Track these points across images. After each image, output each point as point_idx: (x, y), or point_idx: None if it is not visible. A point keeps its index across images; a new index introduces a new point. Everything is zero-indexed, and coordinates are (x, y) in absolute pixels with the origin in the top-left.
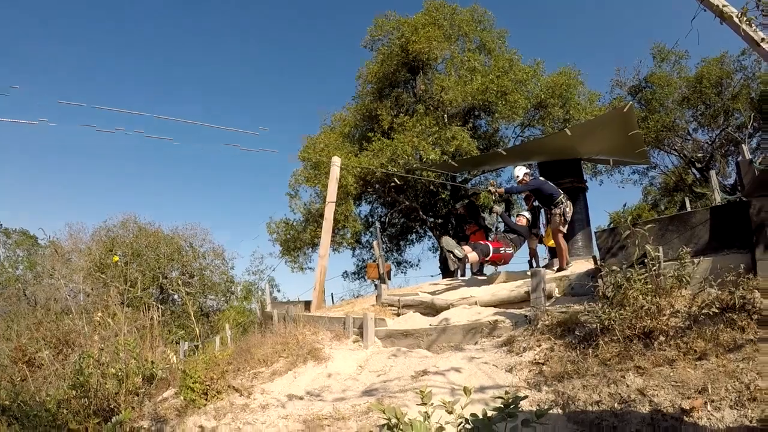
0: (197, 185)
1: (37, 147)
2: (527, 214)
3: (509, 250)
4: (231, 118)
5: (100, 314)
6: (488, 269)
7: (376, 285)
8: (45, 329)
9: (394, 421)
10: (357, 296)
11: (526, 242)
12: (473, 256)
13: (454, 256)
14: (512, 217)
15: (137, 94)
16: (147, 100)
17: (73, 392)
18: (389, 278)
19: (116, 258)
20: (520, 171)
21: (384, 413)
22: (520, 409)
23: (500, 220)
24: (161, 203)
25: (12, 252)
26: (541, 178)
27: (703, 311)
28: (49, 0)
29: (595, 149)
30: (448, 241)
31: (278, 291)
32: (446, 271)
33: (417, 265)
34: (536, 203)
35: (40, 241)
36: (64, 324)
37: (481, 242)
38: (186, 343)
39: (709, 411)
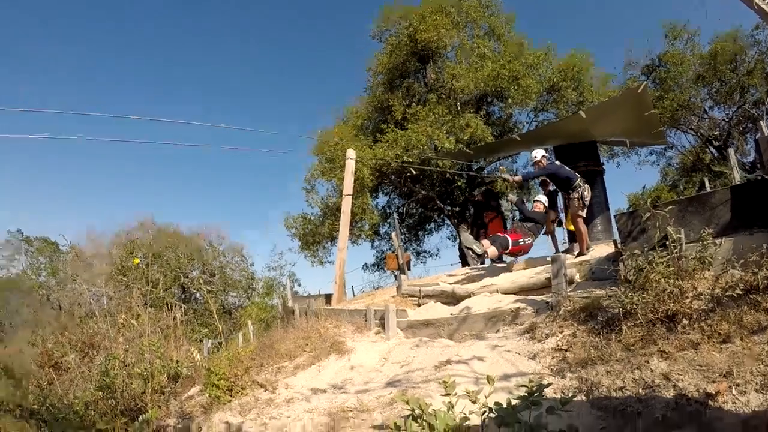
0: (213, 185)
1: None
2: (544, 199)
3: (528, 240)
4: (231, 117)
5: (123, 316)
6: (507, 257)
7: (395, 276)
8: (70, 333)
9: (418, 412)
10: (377, 288)
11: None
12: (492, 250)
13: (473, 252)
14: (528, 203)
15: (137, 93)
16: (147, 100)
17: (100, 393)
18: (409, 268)
19: (137, 260)
20: (538, 153)
21: (407, 404)
22: (544, 397)
23: (516, 208)
24: (174, 204)
25: (35, 259)
26: (558, 162)
27: (727, 293)
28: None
29: (610, 131)
30: (467, 238)
31: (299, 285)
32: (466, 260)
33: (436, 255)
34: (552, 188)
35: (61, 248)
36: (88, 327)
37: (500, 234)
38: (209, 340)
39: (734, 395)
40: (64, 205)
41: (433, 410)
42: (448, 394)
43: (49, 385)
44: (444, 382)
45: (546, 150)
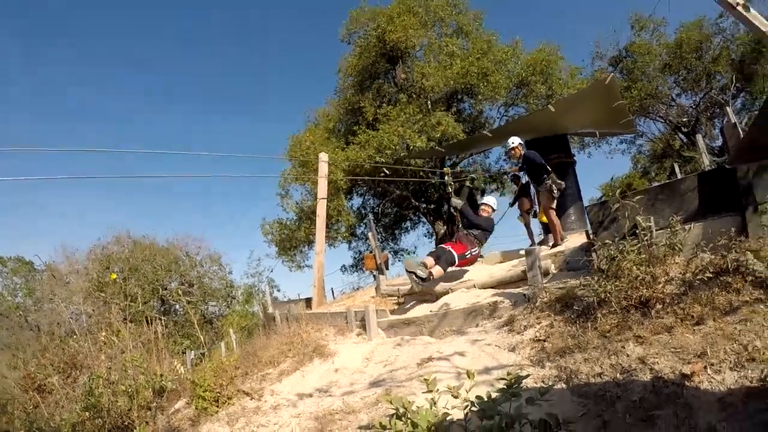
0: (183, 197)
1: None
2: (492, 202)
3: (474, 251)
4: (201, 121)
5: (104, 333)
6: (484, 250)
7: (374, 276)
8: (52, 354)
9: (402, 410)
10: (357, 289)
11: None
12: (438, 270)
13: (417, 276)
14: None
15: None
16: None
17: (86, 414)
18: (387, 268)
19: (114, 276)
20: (515, 140)
21: (391, 404)
22: (524, 388)
23: (460, 214)
24: (148, 217)
25: (9, 280)
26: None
27: (698, 276)
28: None
29: (580, 123)
30: (409, 263)
31: (278, 291)
32: None
33: (414, 253)
34: (525, 180)
35: (36, 267)
36: (69, 347)
37: (444, 247)
38: (192, 352)
39: (709, 374)
40: (36, 224)
41: (417, 408)
42: (430, 391)
43: (34, 408)
44: (425, 379)
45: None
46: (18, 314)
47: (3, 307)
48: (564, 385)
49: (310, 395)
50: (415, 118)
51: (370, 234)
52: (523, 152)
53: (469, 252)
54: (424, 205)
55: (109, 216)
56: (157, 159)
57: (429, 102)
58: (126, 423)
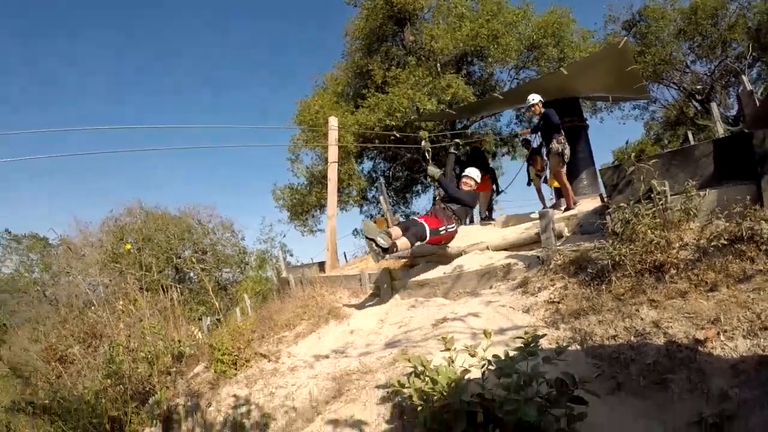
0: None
1: None
2: (475, 174)
3: (451, 228)
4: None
5: (122, 303)
6: (496, 214)
7: None
8: (72, 325)
9: (420, 369)
10: (369, 252)
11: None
12: (403, 242)
13: (377, 245)
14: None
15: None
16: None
17: (108, 381)
18: None
19: (128, 246)
20: (535, 97)
21: (410, 362)
22: (540, 348)
23: (437, 186)
24: (159, 187)
25: (25, 257)
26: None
27: (712, 243)
28: None
29: (593, 87)
30: (369, 227)
31: (291, 256)
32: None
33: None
34: (536, 144)
35: (51, 242)
36: (88, 318)
37: (417, 220)
38: (208, 318)
39: (722, 341)
40: (49, 201)
41: (435, 366)
42: (447, 350)
43: (57, 378)
44: (443, 338)
45: (528, 108)
46: (35, 289)
47: (21, 282)
48: (578, 347)
49: (327, 356)
50: (425, 80)
51: (381, 198)
52: (542, 109)
53: (444, 228)
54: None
55: (118, 188)
56: (168, 132)
57: (438, 65)
58: (147, 388)
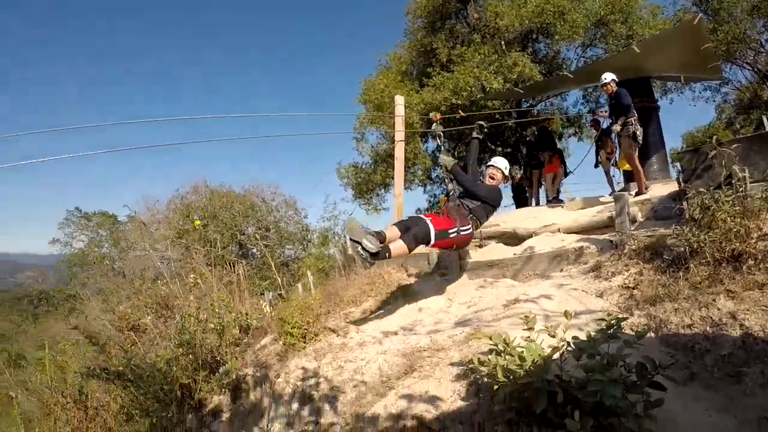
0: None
1: None
2: (503, 164)
3: (465, 230)
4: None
5: (192, 276)
6: (562, 196)
7: None
8: (145, 296)
9: (502, 346)
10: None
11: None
12: (398, 247)
13: (363, 249)
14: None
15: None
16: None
17: (180, 350)
18: None
19: (198, 222)
20: (608, 75)
21: (491, 340)
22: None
23: (450, 178)
24: (223, 168)
25: (95, 233)
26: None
27: None
28: None
29: (665, 66)
30: (353, 228)
31: None
32: (519, 202)
33: None
34: (605, 125)
35: (119, 219)
36: (159, 290)
37: (422, 218)
38: (270, 293)
39: None
40: (120, 180)
41: (519, 344)
42: (530, 329)
43: (131, 346)
44: (525, 316)
45: (596, 88)
46: (105, 263)
47: (90, 257)
48: (652, 334)
49: (395, 333)
50: (491, 59)
51: (446, 177)
52: (614, 88)
53: (455, 230)
54: (500, 149)
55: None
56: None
57: (503, 42)
58: (216, 358)
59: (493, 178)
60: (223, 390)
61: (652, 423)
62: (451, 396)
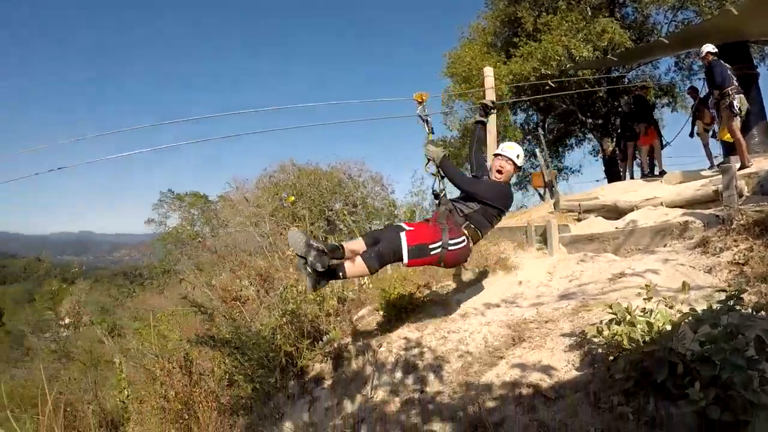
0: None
1: None
2: (513, 154)
3: (455, 244)
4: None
5: (289, 250)
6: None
7: (540, 194)
8: (247, 269)
9: (622, 315)
10: (520, 207)
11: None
12: (356, 267)
13: (309, 265)
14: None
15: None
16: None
17: (284, 319)
18: (555, 186)
19: (292, 198)
20: (707, 47)
21: (611, 309)
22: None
23: (440, 176)
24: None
25: (187, 212)
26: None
27: None
28: None
29: (766, 29)
30: (295, 238)
31: None
32: (612, 176)
33: (578, 171)
34: (704, 94)
35: (210, 199)
36: (258, 263)
37: (403, 227)
38: None
39: None
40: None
41: (654, 306)
42: (648, 299)
43: (237, 315)
44: (646, 285)
45: (688, 54)
46: (197, 240)
47: (183, 235)
48: (763, 312)
49: (497, 305)
50: (578, 26)
51: (537, 150)
52: (710, 60)
53: (438, 244)
54: (590, 120)
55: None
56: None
57: (589, 8)
58: (318, 327)
59: (500, 172)
60: (326, 358)
61: (766, 398)
62: (565, 366)
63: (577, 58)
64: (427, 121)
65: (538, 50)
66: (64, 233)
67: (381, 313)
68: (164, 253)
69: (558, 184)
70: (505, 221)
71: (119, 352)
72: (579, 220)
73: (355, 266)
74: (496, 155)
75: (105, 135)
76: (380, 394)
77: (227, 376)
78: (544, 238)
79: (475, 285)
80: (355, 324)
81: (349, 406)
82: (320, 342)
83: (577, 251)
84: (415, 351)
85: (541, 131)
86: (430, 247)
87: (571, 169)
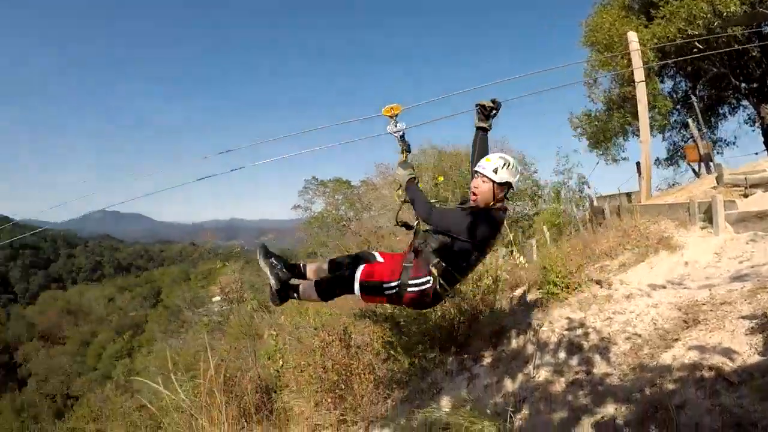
0: None
1: None
2: (490, 167)
3: (416, 285)
4: None
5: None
6: None
7: (694, 170)
8: (384, 247)
9: None
10: (672, 184)
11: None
12: (307, 290)
13: (271, 283)
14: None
15: None
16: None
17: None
18: (712, 159)
19: (441, 178)
20: None
21: None
22: None
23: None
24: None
25: (331, 197)
26: None
27: None
28: None
29: None
30: (265, 256)
31: (588, 187)
32: None
33: (734, 144)
34: None
35: (353, 184)
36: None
37: (377, 255)
38: (502, 249)
39: None
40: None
41: None
42: None
43: None
44: None
45: None
46: (342, 224)
47: (328, 219)
48: None
49: (663, 287)
50: None
51: (690, 120)
52: None
53: (395, 284)
54: (744, 84)
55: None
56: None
57: None
58: (475, 306)
59: (475, 194)
60: (486, 336)
61: None
62: (747, 349)
63: (725, 13)
64: (402, 137)
65: (681, 8)
66: (215, 221)
67: (540, 291)
68: (312, 236)
69: (713, 160)
70: (663, 198)
71: (271, 326)
72: (745, 195)
73: (306, 290)
74: (474, 172)
75: (293, 135)
76: (543, 374)
77: (384, 351)
78: (708, 216)
79: (637, 265)
80: (513, 303)
81: (509, 384)
82: (479, 320)
83: (746, 230)
84: (579, 331)
85: (695, 98)
86: (384, 286)
87: (725, 141)
